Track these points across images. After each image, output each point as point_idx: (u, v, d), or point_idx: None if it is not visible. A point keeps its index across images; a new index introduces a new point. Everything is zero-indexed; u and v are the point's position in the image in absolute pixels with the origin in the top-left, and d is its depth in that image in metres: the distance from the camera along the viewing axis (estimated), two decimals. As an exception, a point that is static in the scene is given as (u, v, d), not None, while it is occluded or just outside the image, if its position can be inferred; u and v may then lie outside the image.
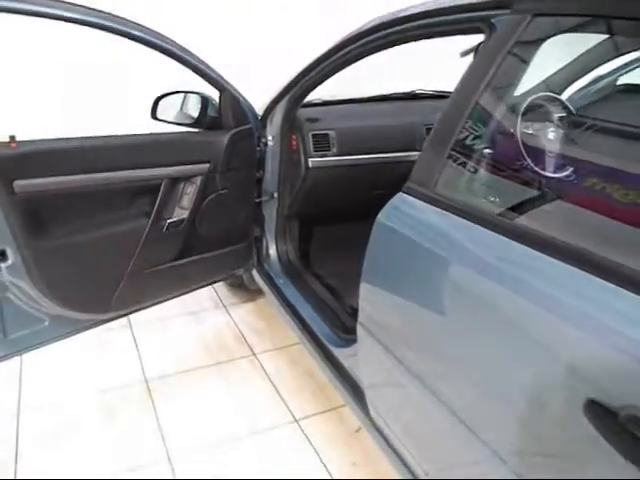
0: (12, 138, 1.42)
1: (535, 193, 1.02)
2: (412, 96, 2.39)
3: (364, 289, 1.33)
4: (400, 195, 1.21)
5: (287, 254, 2.19)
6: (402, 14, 1.37)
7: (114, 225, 1.67)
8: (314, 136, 2.04)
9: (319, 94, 2.10)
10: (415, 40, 1.41)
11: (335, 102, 2.24)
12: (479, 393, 0.99)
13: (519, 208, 1.01)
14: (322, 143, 2.04)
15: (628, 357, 0.71)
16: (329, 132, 2.05)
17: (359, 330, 1.40)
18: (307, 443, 1.81)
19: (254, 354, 2.27)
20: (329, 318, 1.80)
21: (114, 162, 1.61)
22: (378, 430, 1.44)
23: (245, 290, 2.64)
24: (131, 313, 1.89)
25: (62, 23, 1.34)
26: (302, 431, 1.86)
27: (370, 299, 1.33)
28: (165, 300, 1.94)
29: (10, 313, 1.59)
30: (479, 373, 0.98)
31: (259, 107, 2.01)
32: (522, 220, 0.98)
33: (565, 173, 0.96)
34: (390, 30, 1.43)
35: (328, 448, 1.78)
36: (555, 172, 0.97)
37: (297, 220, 2.20)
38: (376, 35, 1.48)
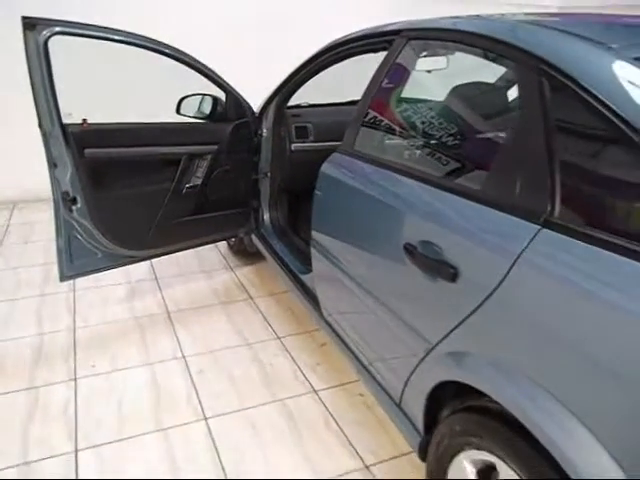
0: (84, 120, 2.13)
1: (400, 145, 1.69)
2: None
3: (313, 223, 1.98)
4: (334, 154, 1.89)
5: (278, 220, 2.86)
6: (347, 37, 2.06)
7: (149, 185, 2.36)
8: (296, 128, 2.73)
9: (302, 100, 2.81)
10: (355, 55, 2.08)
11: (313, 105, 2.93)
12: (382, 271, 1.60)
13: (391, 153, 1.68)
14: (302, 133, 2.72)
15: (431, 223, 1.35)
16: (307, 125, 2.74)
17: (312, 257, 2.06)
18: (286, 352, 2.45)
19: (251, 298, 2.93)
20: (301, 258, 2.45)
21: (151, 140, 2.31)
22: (329, 324, 2.08)
23: (247, 256, 3.31)
24: (159, 255, 2.59)
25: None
26: (282, 344, 2.50)
27: (316, 229, 1.99)
28: (184, 248, 2.63)
29: (75, 246, 2.28)
30: (379, 256, 1.61)
31: (257, 107, 2.70)
32: (392, 158, 1.64)
33: (418, 136, 1.63)
34: (340, 48, 2.11)
35: (301, 355, 2.42)
36: (409, 137, 1.63)
37: (285, 193, 2.87)
38: (331, 52, 2.16)
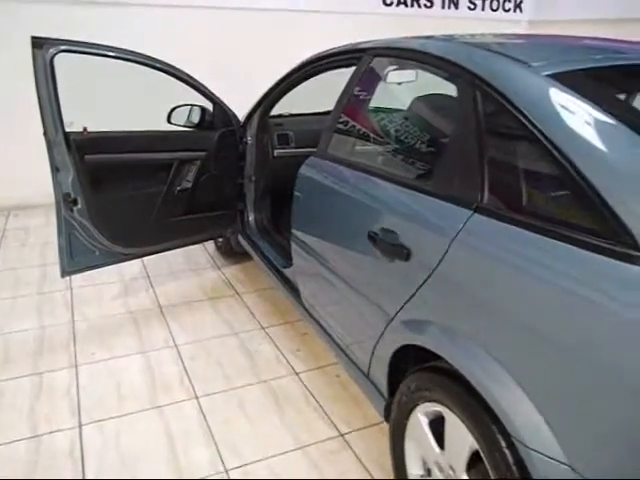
0: (85, 129, 2.35)
1: (366, 148, 1.93)
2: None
3: (292, 221, 2.21)
4: (310, 157, 2.13)
5: (262, 220, 3.08)
6: (321, 54, 2.30)
7: (144, 188, 2.58)
8: (278, 135, 2.97)
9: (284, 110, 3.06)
10: (329, 69, 2.33)
11: (294, 115, 3.17)
12: (351, 258, 1.85)
13: (357, 155, 1.93)
14: (284, 140, 2.96)
15: (389, 214, 1.59)
16: (289, 132, 2.98)
17: (292, 252, 2.29)
18: (270, 340, 2.67)
19: (237, 294, 3.15)
20: (282, 254, 2.67)
21: (145, 147, 2.53)
22: (308, 312, 2.31)
23: (233, 255, 3.53)
24: (153, 253, 2.80)
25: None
26: (267, 333, 2.72)
27: (295, 225, 2.22)
28: (176, 246, 2.85)
29: (75, 244, 2.49)
30: (349, 244, 1.85)
31: (242, 116, 2.94)
32: (358, 160, 1.88)
33: (380, 140, 1.87)
34: (315, 64, 2.36)
35: (284, 342, 2.64)
36: (372, 141, 1.88)
37: (268, 196, 3.09)
38: (307, 67, 2.41)
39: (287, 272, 2.53)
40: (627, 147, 1.10)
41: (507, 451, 1.17)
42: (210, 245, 3.75)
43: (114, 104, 2.91)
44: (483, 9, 6.02)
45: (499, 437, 1.18)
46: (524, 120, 1.24)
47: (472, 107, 1.40)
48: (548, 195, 1.23)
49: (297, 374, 2.39)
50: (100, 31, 3.27)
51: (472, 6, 5.92)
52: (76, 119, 2.32)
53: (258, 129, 2.93)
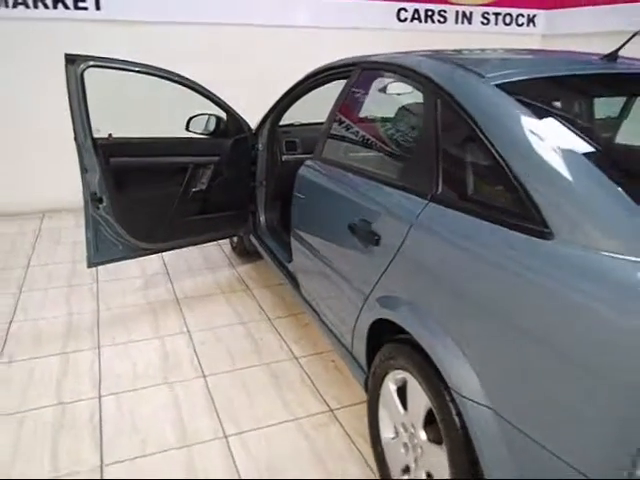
0: (110, 135, 2.64)
1: (352, 151, 2.16)
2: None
3: (292, 219, 2.45)
4: (307, 160, 2.37)
5: (271, 221, 3.33)
6: (318, 69, 2.55)
7: (162, 188, 2.86)
8: (286, 142, 3.22)
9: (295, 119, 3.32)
10: (327, 82, 2.57)
11: (301, 124, 3.42)
12: (337, 247, 2.08)
13: (345, 157, 2.16)
14: (291, 146, 3.21)
15: (365, 206, 1.82)
16: (296, 139, 3.23)
17: (292, 248, 2.52)
18: (274, 329, 2.90)
19: (248, 289, 3.40)
20: (286, 251, 2.90)
21: (165, 151, 2.82)
22: (306, 300, 2.53)
23: (247, 255, 3.78)
24: (169, 249, 3.08)
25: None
26: (272, 324, 2.96)
27: (294, 222, 2.45)
28: (191, 243, 3.12)
29: (100, 238, 2.77)
30: (335, 236, 2.08)
31: (254, 125, 3.20)
32: (346, 161, 2.12)
33: (363, 143, 2.11)
34: (314, 77, 2.60)
35: (287, 332, 2.87)
36: (357, 144, 2.12)
37: (277, 198, 3.34)
38: (310, 80, 2.65)
39: (289, 266, 2.76)
40: (547, 146, 1.30)
41: (451, 405, 1.37)
42: (226, 246, 4.01)
43: (136, 113, 3.20)
44: (496, 23, 6.21)
45: (445, 394, 1.39)
46: (472, 123, 1.46)
47: (433, 112, 1.62)
48: (487, 186, 1.45)
49: (296, 359, 2.62)
50: (132, 47, 3.59)
51: (485, 21, 6.12)
52: (102, 126, 2.62)
53: (268, 136, 3.19)
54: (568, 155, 1.25)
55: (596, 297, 1.04)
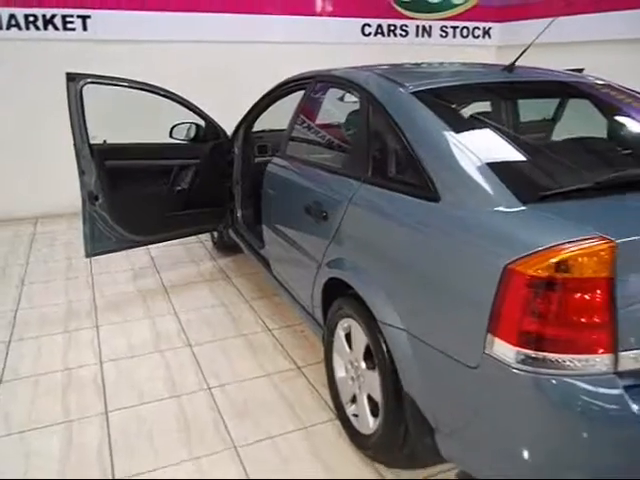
0: (104, 141, 3.06)
1: (308, 148, 2.61)
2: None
3: (262, 208, 2.89)
4: (274, 158, 2.81)
5: (248, 217, 3.75)
6: (282, 81, 3.00)
7: (150, 187, 3.28)
8: (258, 146, 3.66)
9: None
10: (290, 93, 3.01)
11: (271, 130, 3.86)
12: (296, 226, 2.52)
13: (303, 153, 2.61)
14: (263, 149, 3.65)
15: (317, 190, 2.27)
16: (267, 144, 3.67)
17: (263, 233, 2.95)
18: (251, 308, 3.32)
19: (228, 277, 3.81)
20: (259, 239, 3.32)
21: (153, 155, 3.24)
22: (276, 279, 2.96)
23: (226, 249, 4.20)
24: (158, 241, 3.49)
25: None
26: (250, 304, 3.37)
27: (263, 211, 2.89)
28: (176, 236, 3.54)
29: (96, 232, 3.17)
30: (294, 217, 2.52)
31: (230, 131, 3.64)
32: (303, 156, 2.56)
33: (316, 141, 2.56)
34: (281, 88, 3.05)
35: (261, 310, 3.28)
36: (312, 142, 2.57)
37: (252, 196, 3.76)
38: (276, 91, 3.10)
39: (262, 252, 3.19)
40: (442, 137, 1.75)
41: (379, 336, 1.81)
42: (208, 243, 4.43)
43: (128, 122, 3.62)
44: (454, 36, 6.73)
45: (376, 331, 1.82)
46: (391, 121, 1.91)
47: (365, 114, 2.07)
48: (401, 167, 1.90)
49: (270, 330, 3.04)
50: (117, 63, 4.01)
51: (444, 34, 6.64)
52: (98, 133, 3.04)
53: (243, 141, 3.62)
54: (455, 143, 1.71)
55: (466, 240, 1.49)
